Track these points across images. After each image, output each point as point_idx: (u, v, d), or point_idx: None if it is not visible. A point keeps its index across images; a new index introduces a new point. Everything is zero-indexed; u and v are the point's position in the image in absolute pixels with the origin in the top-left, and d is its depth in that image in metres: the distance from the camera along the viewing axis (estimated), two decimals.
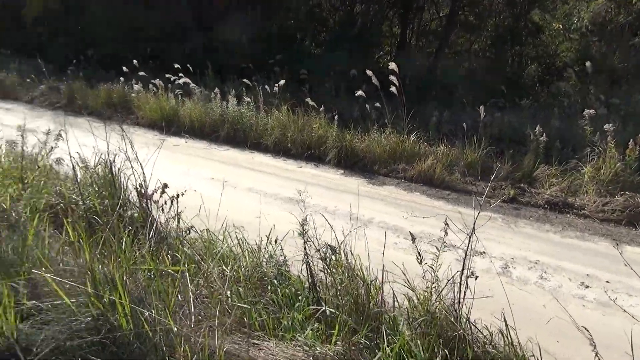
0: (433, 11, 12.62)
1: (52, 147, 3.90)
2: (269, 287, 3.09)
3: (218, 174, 6.61)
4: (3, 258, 2.51)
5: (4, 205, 3.14)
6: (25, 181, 3.61)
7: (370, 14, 12.40)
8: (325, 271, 3.03)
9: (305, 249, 2.95)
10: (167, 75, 9.66)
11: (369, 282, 2.91)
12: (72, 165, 3.89)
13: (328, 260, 3.01)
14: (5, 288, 2.09)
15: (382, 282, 2.80)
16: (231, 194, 5.85)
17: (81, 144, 4.00)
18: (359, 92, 7.58)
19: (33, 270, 2.31)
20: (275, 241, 3.47)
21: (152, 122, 9.74)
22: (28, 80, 12.59)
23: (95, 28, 14.75)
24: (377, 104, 7.68)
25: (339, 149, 7.45)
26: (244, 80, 9.33)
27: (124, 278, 2.14)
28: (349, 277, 2.91)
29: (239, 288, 2.76)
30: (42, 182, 3.99)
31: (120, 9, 14.63)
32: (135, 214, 3.82)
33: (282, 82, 8.73)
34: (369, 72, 7.23)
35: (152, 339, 2.04)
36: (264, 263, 3.34)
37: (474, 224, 2.62)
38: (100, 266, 2.21)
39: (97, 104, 11.03)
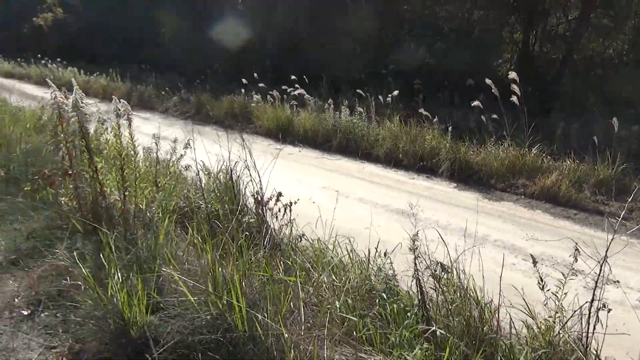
0: (560, 14, 11.70)
1: (181, 155, 4.25)
2: (377, 301, 3.05)
3: (329, 183, 6.72)
4: (138, 255, 2.78)
5: (140, 205, 3.48)
6: (159, 185, 3.96)
7: (489, 20, 11.86)
8: (436, 289, 2.92)
9: (415, 264, 2.87)
10: (284, 87, 10.08)
11: (483, 305, 2.74)
12: (197, 171, 4.19)
13: (439, 277, 2.90)
14: (139, 282, 2.31)
15: (497, 305, 2.63)
16: (342, 203, 5.89)
17: (206, 151, 4.30)
18: (476, 102, 7.26)
19: (162, 268, 2.52)
20: (385, 254, 3.43)
21: (268, 131, 10.22)
22: (163, 92, 13.94)
23: (220, 44, 15.92)
24: (495, 115, 7.30)
25: (453, 161, 7.19)
26: (357, 90, 9.42)
27: (241, 281, 2.25)
28: (461, 298, 2.77)
29: (348, 299, 2.76)
30: (172, 186, 4.35)
31: (240, 25, 15.66)
32: (252, 220, 4.01)
33: (395, 92, 8.67)
34: (488, 81, 6.90)
35: (265, 342, 2.12)
36: (373, 276, 3.31)
37: (607, 249, 2.35)
38: (220, 268, 2.35)
39: (220, 113, 11.85)
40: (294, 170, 7.38)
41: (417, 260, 2.89)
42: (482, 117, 7.51)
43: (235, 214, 3.91)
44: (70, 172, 3.47)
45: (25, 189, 4.14)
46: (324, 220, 3.61)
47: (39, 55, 21.19)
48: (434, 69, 11.49)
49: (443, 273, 2.91)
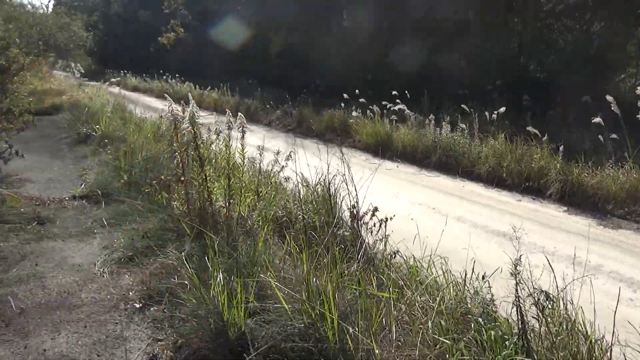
0: None
1: (282, 166, 4.43)
2: (472, 325, 2.92)
3: (427, 200, 6.57)
4: (239, 259, 2.92)
5: (243, 213, 3.67)
6: (260, 194, 4.15)
7: (611, 33, 10.93)
8: (539, 319, 2.72)
9: (517, 290, 2.70)
10: (384, 102, 10.08)
11: (593, 341, 2.51)
12: (297, 182, 4.33)
13: (543, 306, 2.70)
14: (239, 286, 2.43)
15: (611, 343, 2.38)
16: (438, 221, 5.75)
17: (306, 164, 4.43)
18: (597, 119, 6.68)
19: (260, 275, 2.64)
20: (483, 277, 3.27)
21: (367, 145, 10.26)
22: (267, 106, 14.60)
23: (323, 60, 16.37)
24: (614, 135, 6.68)
25: (563, 183, 6.69)
26: (462, 106, 9.15)
27: (334, 293, 2.28)
28: (568, 331, 2.55)
29: (441, 321, 2.67)
30: (272, 196, 4.53)
31: (344, 42, 15.98)
32: (346, 233, 4.04)
33: (502, 109, 8.29)
34: (609, 98, 6.35)
35: (355, 356, 2.12)
36: (469, 298, 3.17)
37: None
38: (314, 278, 2.40)
39: (321, 127, 12.13)
40: (391, 185, 7.33)
41: (518, 286, 2.73)
42: (600, 136, 6.91)
43: (331, 226, 3.96)
44: (182, 179, 3.76)
45: (146, 191, 4.55)
46: (419, 237, 3.54)
47: (161, 71, 23.27)
48: (545, 84, 10.82)
49: (548, 302, 2.71)
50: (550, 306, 2.71)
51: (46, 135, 9.47)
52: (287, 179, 5.03)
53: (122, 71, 26.60)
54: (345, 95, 11.50)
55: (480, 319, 2.91)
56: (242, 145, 3.59)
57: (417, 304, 2.80)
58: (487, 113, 8.64)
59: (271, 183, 4.37)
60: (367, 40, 15.25)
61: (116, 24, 32.95)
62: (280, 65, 18.59)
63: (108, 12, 34.68)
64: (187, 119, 3.45)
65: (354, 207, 3.90)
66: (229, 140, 3.63)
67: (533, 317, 2.78)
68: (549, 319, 2.68)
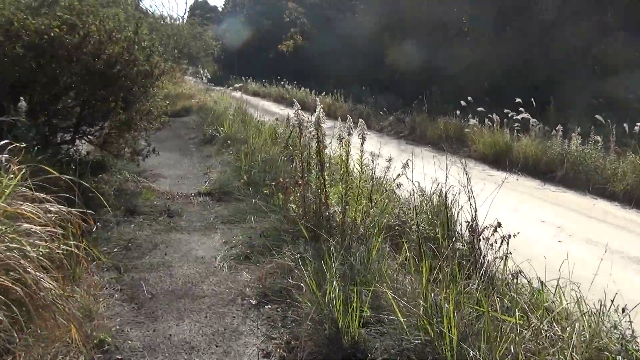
0: None
1: (399, 174, 4.34)
2: None
3: (550, 218, 6.05)
4: (352, 266, 2.90)
5: (357, 220, 3.65)
6: (372, 201, 4.10)
7: None
8: None
9: None
10: (505, 110, 9.52)
11: None
12: (412, 191, 4.21)
13: None
14: (355, 294, 2.40)
15: None
16: (564, 241, 5.26)
17: (417, 172, 4.29)
18: None
19: (376, 285, 2.59)
20: (623, 310, 2.90)
21: (483, 155, 9.76)
22: (380, 112, 14.54)
23: (440, 66, 15.94)
24: None
25: None
26: (596, 116, 8.32)
27: (454, 311, 2.16)
28: None
29: (574, 354, 2.41)
30: (385, 203, 4.45)
31: (463, 48, 15.40)
32: (463, 247, 3.84)
33: None
34: None
35: None
36: (604, 333, 2.83)
37: None
38: (432, 294, 2.29)
39: (434, 135, 11.81)
40: (510, 198, 6.85)
41: None
42: None
43: (446, 239, 3.80)
44: (300, 182, 3.84)
45: (264, 192, 4.73)
46: (541, 257, 3.24)
47: (279, 77, 24.32)
48: None
49: None
50: None
51: (177, 135, 10.33)
52: (399, 185, 4.93)
53: (243, 77, 28.27)
54: (462, 103, 11.05)
55: (619, 357, 2.58)
56: (361, 152, 3.58)
57: (543, 332, 2.56)
58: (625, 125, 7.76)
59: (386, 190, 4.30)
60: (489, 46, 14.54)
61: (242, 33, 35.13)
62: (394, 71, 18.45)
63: (236, 21, 37.15)
64: (313, 124, 3.52)
65: (473, 220, 3.70)
66: (349, 146, 3.64)
67: None
68: None
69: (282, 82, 23.36)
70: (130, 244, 4.08)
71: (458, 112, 11.53)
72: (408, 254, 3.09)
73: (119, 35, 5.00)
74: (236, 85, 18.66)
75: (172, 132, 10.10)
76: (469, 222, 3.68)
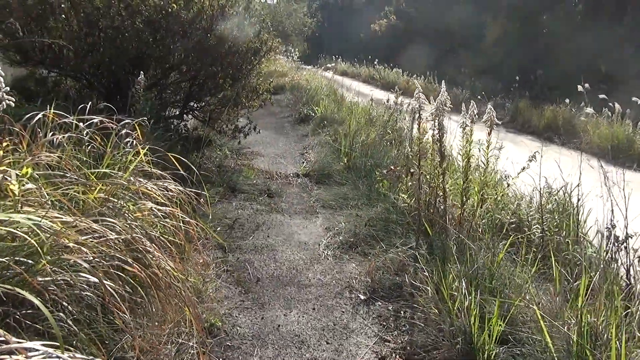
0: None
1: (523, 168, 3.92)
2: None
3: None
4: (479, 270, 2.61)
5: (476, 216, 3.33)
6: (485, 196, 3.74)
7: None
8: None
9: None
10: (634, 98, 8.49)
11: None
12: (535, 186, 3.80)
13: None
14: (496, 307, 2.12)
15: None
16: None
17: (516, 161, 3.86)
18: None
19: (510, 295, 2.29)
20: None
21: (598, 149, 8.83)
22: (478, 97, 13.72)
23: (547, 49, 14.70)
24: None
25: None
26: None
27: (618, 339, 1.81)
28: None
29: None
30: (500, 197, 4.06)
31: (580, 29, 14.04)
32: (593, 254, 3.39)
33: None
34: None
35: None
36: None
37: None
38: (588, 315, 1.95)
39: (539, 123, 10.92)
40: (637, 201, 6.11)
41: None
42: None
43: (573, 244, 3.38)
44: (413, 171, 3.57)
45: (378, 178, 4.50)
46: None
47: (370, 57, 23.82)
48: None
49: None
50: None
51: (271, 113, 10.37)
52: (506, 177, 4.50)
53: (333, 56, 28.05)
54: (579, 88, 10.06)
55: None
56: (488, 142, 3.24)
57: None
58: None
59: (508, 185, 3.91)
60: (604, 25, 13.12)
61: (334, 11, 34.88)
62: (495, 53, 17.31)
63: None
64: (435, 109, 3.22)
65: (612, 226, 3.23)
66: (471, 134, 3.31)
67: None
68: None
69: (374, 63, 22.82)
70: (234, 223, 4.06)
71: (568, 100, 10.53)
72: (530, 257, 2.73)
73: (231, 11, 4.96)
74: (328, 65, 18.51)
75: (266, 110, 10.12)
76: (608, 228, 3.23)
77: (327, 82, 13.55)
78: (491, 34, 17.85)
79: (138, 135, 2.95)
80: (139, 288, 2.07)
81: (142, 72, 3.90)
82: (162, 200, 2.56)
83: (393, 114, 6.75)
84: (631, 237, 3.16)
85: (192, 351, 2.34)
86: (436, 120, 3.32)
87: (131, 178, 2.52)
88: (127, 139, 2.85)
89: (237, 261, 3.43)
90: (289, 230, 4.07)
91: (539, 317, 1.98)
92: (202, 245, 3.47)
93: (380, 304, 2.95)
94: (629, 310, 2.13)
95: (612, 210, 3.30)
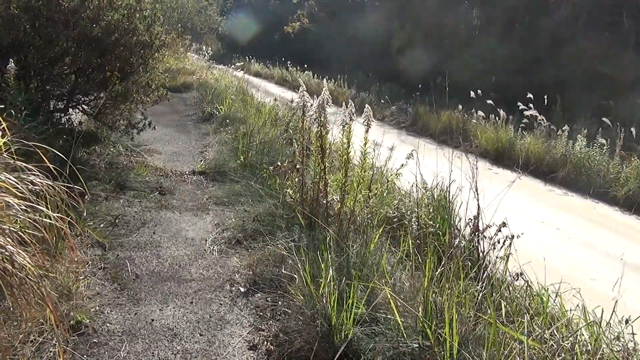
0: None
1: (402, 165, 4.18)
2: None
3: (549, 219, 5.93)
4: (348, 258, 2.76)
5: (355, 210, 3.50)
6: (372, 191, 3.95)
7: None
8: None
9: None
10: (518, 105, 9.33)
11: None
12: (413, 183, 4.07)
13: None
14: (352, 289, 2.26)
15: None
16: (563, 244, 5.15)
17: (416, 164, 4.14)
18: None
19: (374, 281, 2.44)
20: (627, 321, 2.78)
21: (485, 151, 9.61)
22: (382, 101, 14.32)
23: (446, 58, 15.68)
24: None
25: None
26: (603, 119, 8.15)
27: (455, 314, 2.02)
28: None
29: None
30: (384, 194, 4.30)
31: (474, 41, 15.14)
32: (462, 244, 3.71)
33: None
34: None
35: None
36: (604, 343, 2.71)
37: None
38: (433, 294, 2.15)
39: (436, 127, 11.62)
40: (509, 197, 6.73)
41: None
42: None
43: (446, 235, 3.67)
44: (298, 167, 3.68)
45: (263, 174, 4.56)
46: (540, 259, 3.11)
47: (283, 59, 23.95)
48: None
49: None
50: None
51: (175, 110, 10.11)
52: (398, 176, 4.78)
53: (247, 56, 27.85)
54: (472, 94, 10.83)
55: None
56: (365, 139, 3.41)
57: (547, 341, 2.43)
58: (633, 129, 7.61)
59: (388, 181, 4.14)
60: (498, 42, 14.30)
61: (247, 12, 34.57)
62: (399, 60, 18.17)
63: None
64: (316, 107, 3.34)
65: (475, 217, 3.55)
66: (350, 132, 3.47)
67: None
68: None
69: (286, 65, 23.00)
70: (117, 220, 3.92)
71: (461, 107, 11.33)
72: (408, 248, 2.94)
73: (120, 2, 4.78)
74: (238, 64, 18.34)
75: (170, 108, 9.89)
76: (471, 219, 3.55)
77: (238, 81, 13.47)
78: (398, 41, 18.71)
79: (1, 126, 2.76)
80: None
81: (16, 61, 3.66)
82: (23, 195, 2.43)
83: (295, 114, 6.87)
84: (490, 227, 3.52)
85: (54, 349, 2.25)
86: (319, 118, 3.44)
87: None
88: None
89: (117, 258, 3.33)
90: (177, 227, 4.02)
91: (389, 297, 2.14)
92: (81, 242, 3.33)
93: (259, 295, 3.02)
94: (470, 290, 2.37)
95: (478, 204, 3.63)
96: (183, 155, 6.57)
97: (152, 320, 2.65)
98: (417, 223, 3.88)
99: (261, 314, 2.82)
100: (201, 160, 6.21)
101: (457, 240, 3.76)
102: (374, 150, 4.80)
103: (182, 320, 2.68)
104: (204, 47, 21.51)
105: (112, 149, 5.78)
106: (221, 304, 2.90)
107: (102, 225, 3.79)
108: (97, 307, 2.70)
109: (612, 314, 2.86)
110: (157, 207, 4.40)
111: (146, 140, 6.76)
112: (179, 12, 14.59)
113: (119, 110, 5.31)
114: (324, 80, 17.59)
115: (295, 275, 2.82)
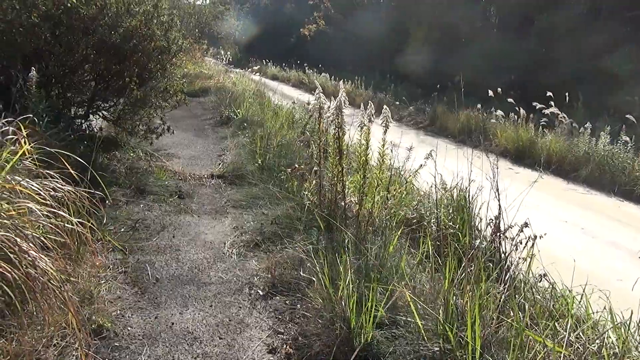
0: None
1: (421, 165, 4.14)
2: None
3: (573, 218, 5.81)
4: (367, 260, 2.73)
5: (374, 211, 3.47)
6: (390, 192, 3.91)
7: None
8: None
9: None
10: (534, 103, 9.18)
11: None
12: (433, 184, 4.02)
13: None
14: (371, 292, 2.24)
15: None
16: (588, 244, 5.03)
17: (435, 164, 4.09)
18: None
19: (394, 283, 2.41)
20: None
21: (505, 150, 9.47)
22: (397, 102, 14.23)
23: (463, 56, 15.52)
24: None
25: None
26: (627, 115, 7.96)
27: (478, 317, 1.97)
28: None
29: None
30: (403, 195, 4.26)
31: (491, 38, 14.96)
32: (483, 245, 3.64)
33: None
34: None
35: None
36: (634, 347, 2.63)
37: None
38: (454, 297, 2.11)
39: (454, 127, 11.50)
40: (531, 196, 6.61)
41: None
42: None
43: (466, 236, 3.61)
44: (316, 169, 3.67)
45: (281, 177, 4.56)
46: (564, 259, 3.04)
47: (299, 62, 24.01)
48: None
49: None
50: None
51: (193, 115, 10.21)
52: (416, 174, 4.73)
53: (264, 60, 27.99)
54: (489, 92, 10.68)
55: None
56: (383, 141, 3.38)
57: (571, 344, 2.37)
58: None
59: (406, 182, 4.10)
60: (515, 38, 14.10)
61: (264, 15, 34.77)
62: (416, 60, 18.05)
63: (258, 3, 36.77)
64: (333, 109, 3.32)
65: (497, 218, 3.49)
66: (369, 134, 3.44)
67: None
68: None
69: (303, 67, 23.04)
70: (137, 225, 3.96)
71: (479, 105, 11.19)
72: (428, 250, 2.90)
73: (137, 9, 4.84)
74: (255, 67, 18.44)
75: (188, 112, 9.99)
76: (492, 220, 3.48)
77: (255, 85, 13.54)
78: (414, 40, 18.60)
79: (23, 133, 2.81)
80: (6, 288, 1.99)
81: (37, 68, 3.73)
82: (45, 201, 2.47)
83: (312, 116, 6.87)
84: (511, 227, 3.46)
85: (76, 353, 2.27)
86: (336, 120, 3.42)
87: (8, 176, 2.40)
88: (9, 137, 2.71)
89: (137, 262, 3.36)
90: (196, 231, 4.04)
91: (409, 299, 2.11)
92: (102, 247, 3.37)
93: (278, 298, 3.01)
94: (492, 292, 2.32)
95: (499, 204, 3.57)
96: (201, 159, 6.62)
97: (172, 323, 2.66)
98: (436, 224, 3.84)
99: (280, 317, 2.81)
100: (219, 164, 6.24)
101: (478, 241, 3.71)
102: (392, 151, 4.77)
103: (202, 324, 2.69)
104: (221, 52, 21.69)
105: (131, 154, 5.86)
106: (240, 307, 2.89)
107: (122, 230, 3.83)
108: (118, 311, 2.72)
109: (637, 314, 2.78)
110: (177, 211, 4.44)
111: (165, 144, 6.84)
112: (196, 17, 14.74)
113: (138, 116, 5.37)
114: (341, 82, 17.60)
115: (313, 278, 2.81)
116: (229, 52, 23.83)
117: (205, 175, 5.69)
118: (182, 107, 6.75)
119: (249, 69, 18.79)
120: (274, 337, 2.61)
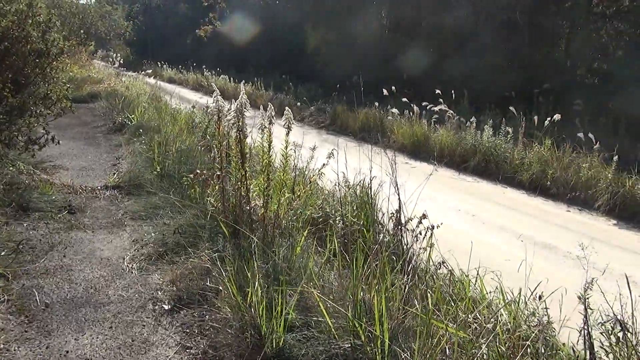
0: None
1: (323, 164, 4.19)
2: (528, 351, 2.62)
3: (465, 206, 6.25)
4: (275, 264, 2.71)
5: (280, 213, 3.45)
6: (295, 193, 3.92)
7: None
8: (610, 350, 2.41)
9: (586, 316, 2.40)
10: (424, 103, 9.75)
11: None
12: (336, 182, 4.09)
13: (615, 337, 2.40)
14: (280, 296, 2.21)
15: None
16: (478, 229, 5.44)
17: (337, 162, 4.18)
18: None
19: (302, 284, 2.41)
20: (540, 297, 2.96)
21: (402, 146, 9.95)
22: (300, 102, 14.39)
23: (360, 57, 16.06)
24: None
25: (614, 195, 6.27)
26: (509, 108, 8.73)
27: (385, 310, 2.03)
28: None
29: (499, 346, 2.39)
30: (308, 195, 4.29)
31: (384, 40, 15.63)
32: (386, 239, 3.78)
33: (557, 116, 7.80)
34: None
35: None
36: (523, 320, 2.87)
37: None
38: (361, 292, 2.16)
39: (355, 125, 11.86)
40: (426, 188, 7.01)
41: (587, 312, 2.43)
42: None
43: (370, 231, 3.72)
44: (219, 174, 3.57)
45: (184, 184, 4.38)
46: (459, 245, 3.25)
47: (194, 64, 23.35)
48: (595, 90, 10.28)
49: (620, 332, 2.40)
50: (623, 337, 2.40)
51: (83, 122, 9.50)
52: (320, 176, 4.80)
53: (159, 62, 26.83)
54: (384, 91, 11.14)
55: (540, 345, 2.62)
56: (286, 142, 3.37)
57: (469, 324, 2.53)
58: (536, 117, 8.22)
59: (310, 181, 4.13)
60: (407, 39, 14.88)
61: (156, 16, 33.32)
62: (315, 61, 18.37)
63: (149, 3, 35.12)
64: (234, 111, 3.24)
65: (397, 211, 3.64)
66: (271, 135, 3.42)
67: (601, 347, 2.49)
68: (621, 352, 2.38)
69: (201, 69, 22.46)
70: (21, 246, 3.58)
71: (377, 104, 11.64)
72: (335, 247, 2.94)
73: (8, 7, 4.37)
74: (150, 70, 17.62)
75: (77, 119, 9.28)
76: (393, 214, 3.62)
77: (150, 88, 12.92)
78: (312, 42, 18.88)
79: None
80: None
81: None
82: None
83: (212, 119, 6.68)
84: (411, 220, 3.62)
85: None
86: (237, 123, 3.35)
87: None
88: None
89: (22, 288, 3.04)
90: (90, 247, 3.75)
91: (317, 299, 2.13)
92: None
93: (185, 311, 2.88)
94: (397, 284, 2.41)
95: (399, 198, 3.72)
96: (93, 169, 6.17)
97: (67, 352, 2.44)
98: (341, 221, 3.92)
99: (188, 331, 2.69)
100: (114, 174, 5.86)
101: (382, 235, 3.84)
102: (295, 151, 4.79)
103: (101, 348, 2.49)
104: (111, 54, 20.44)
105: (11, 168, 5.28)
106: (144, 325, 2.73)
107: (2, 253, 3.44)
108: (2, 345, 2.44)
109: (532, 292, 3.05)
110: (67, 228, 4.08)
111: (51, 156, 6.29)
112: (80, 17, 13.71)
113: (16, 126, 4.86)
114: (241, 83, 17.40)
115: (220, 287, 2.73)
116: (119, 55, 22.53)
117: (99, 187, 5.31)
118: (69, 115, 6.23)
119: (143, 72, 17.90)
120: (182, 353, 2.49)
